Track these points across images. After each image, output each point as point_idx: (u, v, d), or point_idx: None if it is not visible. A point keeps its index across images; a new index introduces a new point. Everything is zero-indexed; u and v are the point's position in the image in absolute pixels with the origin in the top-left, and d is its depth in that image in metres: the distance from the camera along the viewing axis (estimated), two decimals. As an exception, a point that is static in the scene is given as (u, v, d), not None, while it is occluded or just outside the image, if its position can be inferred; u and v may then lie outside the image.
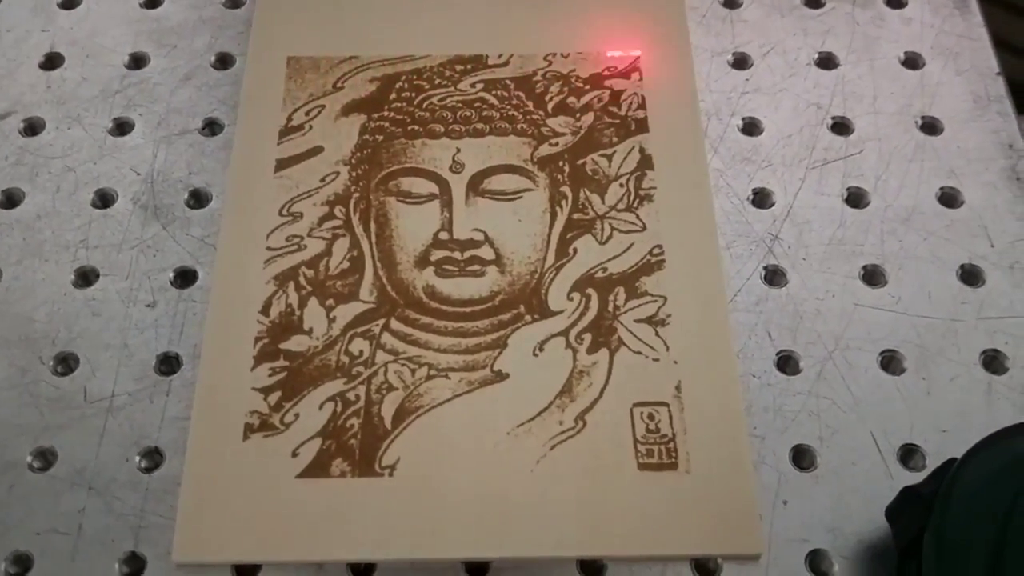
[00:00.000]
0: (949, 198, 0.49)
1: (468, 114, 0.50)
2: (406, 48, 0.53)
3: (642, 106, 0.51)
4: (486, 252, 0.47)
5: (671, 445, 0.42)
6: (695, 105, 0.51)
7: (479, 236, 0.47)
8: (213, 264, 0.46)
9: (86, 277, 0.47)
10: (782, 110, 0.52)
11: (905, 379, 0.44)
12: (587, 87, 0.51)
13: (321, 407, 0.43)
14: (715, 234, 0.47)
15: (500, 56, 0.52)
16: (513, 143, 0.50)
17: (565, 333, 0.45)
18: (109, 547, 0.41)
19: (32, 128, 0.51)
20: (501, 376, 0.44)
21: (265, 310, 0.45)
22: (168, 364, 0.45)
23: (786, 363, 0.45)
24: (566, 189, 0.48)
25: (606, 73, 0.52)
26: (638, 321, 0.45)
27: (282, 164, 0.49)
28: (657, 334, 0.44)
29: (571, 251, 0.47)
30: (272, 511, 0.41)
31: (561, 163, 0.49)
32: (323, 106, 0.50)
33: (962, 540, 0.36)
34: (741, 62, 0.53)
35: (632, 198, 0.48)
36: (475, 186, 0.48)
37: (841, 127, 0.51)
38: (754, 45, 0.54)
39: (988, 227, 0.48)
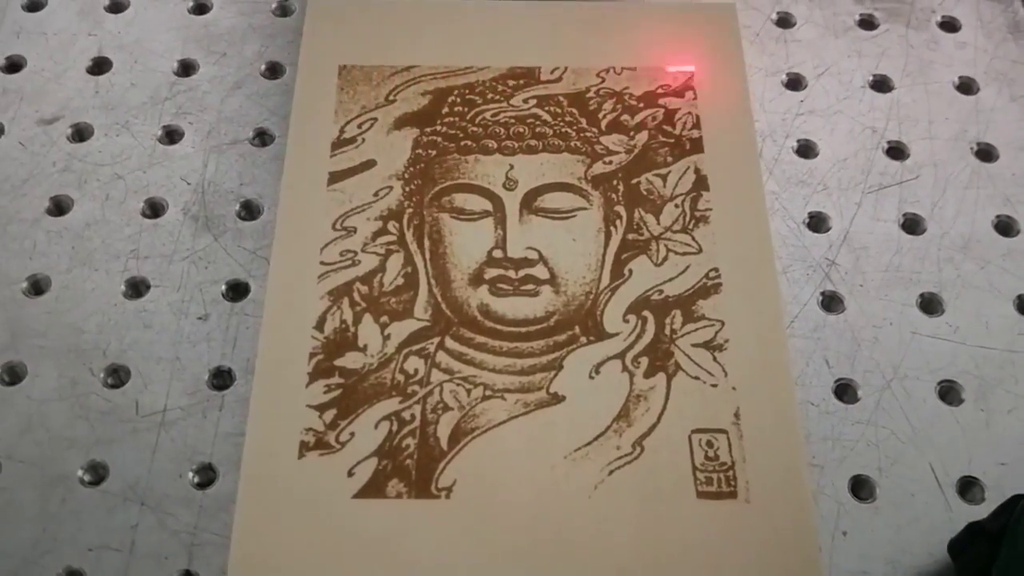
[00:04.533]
0: (1005, 226, 0.49)
1: (521, 130, 0.50)
2: (459, 59, 0.52)
3: (696, 125, 0.50)
4: (540, 271, 0.46)
5: (730, 473, 0.42)
6: (750, 125, 0.51)
7: (533, 255, 0.47)
8: (266, 277, 0.46)
9: (136, 288, 0.46)
10: (837, 133, 0.51)
11: (963, 410, 0.44)
12: (641, 105, 0.51)
13: (377, 426, 0.42)
14: (772, 258, 0.47)
15: (553, 72, 0.52)
16: (566, 161, 0.49)
17: (621, 356, 0.44)
18: (162, 564, 0.40)
19: (80, 134, 0.50)
20: (557, 398, 0.43)
21: (320, 326, 0.44)
22: (221, 378, 0.44)
23: (844, 391, 0.44)
24: (620, 209, 0.48)
25: (660, 91, 0.51)
26: (695, 345, 0.44)
27: (335, 177, 0.48)
28: (715, 359, 0.44)
29: (626, 272, 0.46)
30: (328, 531, 0.40)
31: (615, 182, 0.49)
32: (375, 119, 0.50)
33: (1030, 578, 0.36)
34: (795, 83, 0.53)
35: (688, 219, 0.48)
36: (529, 204, 0.48)
37: (896, 151, 0.51)
38: (808, 66, 0.54)
39: (1045, 257, 0.48)
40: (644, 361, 0.44)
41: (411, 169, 0.49)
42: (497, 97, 0.51)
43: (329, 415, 0.43)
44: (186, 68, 0.53)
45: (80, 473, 0.42)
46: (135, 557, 0.40)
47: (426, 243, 0.47)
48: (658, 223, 0.48)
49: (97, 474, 0.42)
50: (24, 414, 0.43)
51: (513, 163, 0.49)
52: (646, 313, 0.45)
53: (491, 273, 0.46)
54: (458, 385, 0.43)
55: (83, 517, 0.41)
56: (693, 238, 0.47)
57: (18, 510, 0.41)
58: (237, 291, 0.46)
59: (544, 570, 0.40)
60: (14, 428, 0.43)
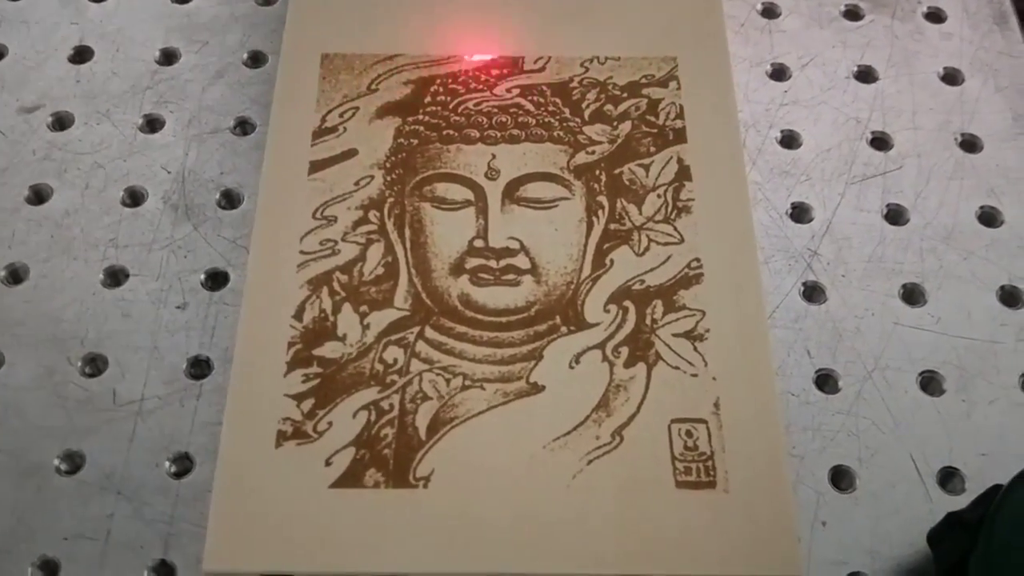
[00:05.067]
0: (989, 217, 0.49)
1: (504, 120, 0.50)
2: (442, 48, 0.52)
3: (680, 115, 0.50)
4: (521, 261, 0.46)
5: (709, 463, 0.41)
6: (734, 116, 0.50)
7: (514, 244, 0.46)
8: (245, 266, 0.46)
9: (115, 277, 0.46)
10: (821, 123, 0.51)
11: (945, 401, 0.44)
12: (624, 95, 0.51)
13: (355, 416, 0.42)
14: (755, 248, 0.46)
15: (537, 61, 0.52)
16: (549, 150, 0.49)
17: (602, 346, 0.44)
18: (138, 554, 0.40)
19: (61, 122, 0.50)
20: (537, 388, 0.43)
21: (299, 315, 0.44)
22: (199, 368, 0.44)
23: (825, 382, 0.44)
24: (603, 199, 0.48)
25: (644, 81, 0.51)
26: (676, 335, 0.44)
27: (316, 166, 0.48)
28: (695, 349, 0.44)
29: (608, 262, 0.46)
30: (304, 521, 0.40)
31: (598, 172, 0.48)
32: (357, 108, 0.50)
33: (1008, 567, 0.36)
34: (780, 73, 0.53)
35: (670, 209, 0.47)
36: (511, 193, 0.48)
37: (880, 142, 0.51)
38: (792, 56, 0.53)
39: (1029, 248, 0.48)
40: (624, 351, 0.44)
41: (392, 158, 0.48)
42: (480, 87, 0.51)
43: (307, 405, 0.42)
44: (168, 57, 0.52)
45: (56, 462, 0.42)
46: (110, 546, 0.40)
47: (407, 232, 0.47)
48: (640, 213, 0.47)
49: (73, 463, 0.42)
50: (0, 403, 0.43)
51: (495, 153, 0.49)
52: (627, 303, 0.45)
53: (472, 263, 0.46)
54: (437, 375, 0.43)
55: (59, 506, 0.41)
56: (675, 228, 0.47)
57: (-7, 499, 0.41)
58: (216, 280, 0.46)
59: (522, 560, 0.40)
60: (-10, 417, 0.42)
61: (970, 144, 0.51)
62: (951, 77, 0.53)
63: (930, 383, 0.44)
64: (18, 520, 0.40)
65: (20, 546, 0.40)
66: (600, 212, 0.47)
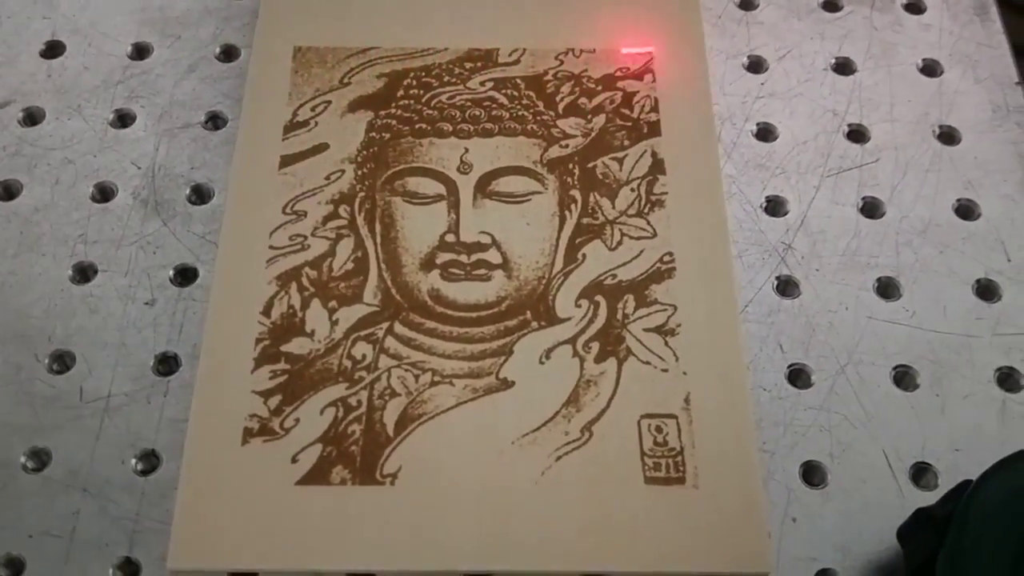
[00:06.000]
0: (966, 210, 0.48)
1: (477, 113, 0.49)
2: (415, 41, 0.51)
3: (655, 109, 0.50)
4: (493, 256, 0.46)
5: (679, 459, 0.41)
6: (709, 109, 0.50)
7: (486, 239, 0.46)
8: (214, 262, 0.45)
9: (84, 273, 0.46)
10: (797, 116, 0.51)
11: (918, 395, 0.44)
12: (599, 88, 0.50)
13: (322, 412, 0.42)
14: (727, 242, 0.46)
15: (511, 54, 0.51)
16: (522, 144, 0.49)
17: (572, 341, 0.44)
18: (103, 551, 0.40)
19: (32, 118, 0.50)
20: (506, 384, 0.43)
21: (267, 311, 0.44)
22: (167, 364, 0.44)
23: (797, 376, 0.44)
24: (576, 193, 0.47)
25: (619, 74, 0.51)
26: (647, 330, 0.44)
27: (286, 161, 0.48)
28: (666, 344, 0.44)
29: (580, 257, 0.46)
30: (270, 518, 0.40)
31: (571, 166, 0.48)
32: (329, 102, 0.49)
33: (977, 563, 0.35)
34: (756, 65, 0.52)
35: (643, 203, 0.47)
36: (483, 187, 0.47)
37: (857, 135, 0.50)
38: (770, 48, 0.53)
39: (1005, 241, 0.47)
40: (595, 346, 0.44)
41: (364, 152, 0.48)
42: (453, 80, 0.50)
43: (274, 401, 0.42)
44: (140, 51, 0.52)
45: (23, 459, 0.41)
46: (75, 544, 0.40)
47: (377, 227, 0.46)
48: (613, 207, 0.47)
49: (40, 460, 0.42)
50: (-33, 400, 0.43)
51: (468, 146, 0.48)
52: (598, 298, 0.45)
53: (443, 258, 0.46)
54: (406, 371, 0.43)
55: (24, 503, 0.41)
56: (648, 222, 0.47)
57: (-42, 497, 0.41)
58: (185, 276, 0.46)
59: (490, 556, 0.40)
60: (-44, 414, 0.42)
61: (948, 136, 0.50)
62: (930, 69, 0.53)
63: (904, 378, 0.44)
64: (-17, 518, 0.40)
65: (-16, 544, 0.40)
66: (573, 206, 0.47)
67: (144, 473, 0.41)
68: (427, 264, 0.45)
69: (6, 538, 0.40)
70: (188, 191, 0.48)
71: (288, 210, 0.46)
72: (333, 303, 0.44)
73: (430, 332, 0.44)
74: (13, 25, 0.53)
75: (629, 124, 0.49)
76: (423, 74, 0.51)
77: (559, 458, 0.41)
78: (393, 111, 0.49)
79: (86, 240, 0.46)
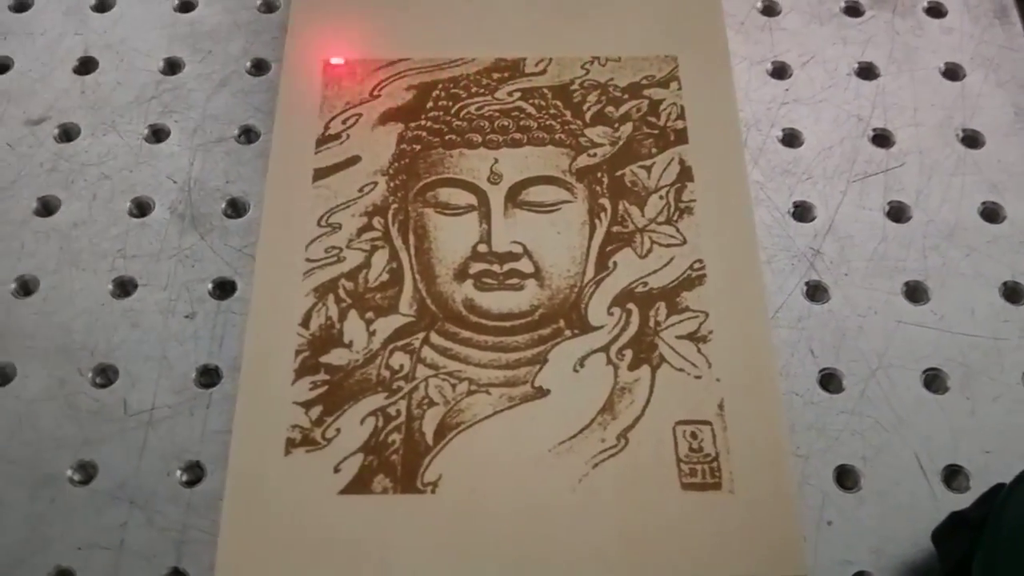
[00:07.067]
0: (991, 213, 0.49)
1: (505, 124, 0.50)
2: (444, 52, 0.52)
3: (681, 116, 0.50)
4: (525, 265, 0.46)
5: (715, 464, 0.42)
6: (735, 115, 0.51)
7: (518, 249, 0.47)
8: (252, 275, 0.46)
9: (124, 287, 0.46)
10: (822, 121, 0.51)
11: (948, 398, 0.44)
12: (625, 96, 0.51)
13: (362, 422, 0.43)
14: (756, 248, 0.47)
15: (538, 64, 0.52)
16: (551, 153, 0.49)
17: (606, 349, 0.44)
18: (151, 563, 0.40)
19: (67, 134, 0.51)
20: (542, 392, 0.43)
21: (305, 323, 0.45)
22: (208, 376, 0.44)
23: (829, 381, 0.44)
24: (605, 201, 0.48)
25: (644, 82, 0.51)
26: (679, 337, 0.45)
27: (320, 174, 0.48)
28: (699, 351, 0.44)
29: (611, 265, 0.46)
30: (315, 528, 0.41)
31: (600, 174, 0.49)
32: (360, 114, 0.50)
33: (1012, 565, 0.36)
34: (780, 71, 0.53)
35: (672, 211, 0.48)
36: (513, 197, 0.48)
37: (882, 139, 0.51)
38: (793, 54, 0.53)
39: (1031, 244, 0.48)
40: (628, 354, 0.44)
41: (396, 164, 0.49)
42: (481, 91, 0.51)
43: (315, 412, 0.43)
44: (172, 66, 0.53)
45: (69, 472, 0.42)
46: (124, 555, 0.41)
47: (411, 238, 0.47)
48: (642, 215, 0.48)
49: (86, 473, 0.42)
50: (13, 415, 0.43)
51: (498, 157, 0.49)
52: (631, 305, 0.45)
53: (476, 267, 0.46)
54: (443, 380, 0.44)
55: (72, 516, 0.41)
56: (677, 229, 0.47)
57: (8, 510, 0.41)
58: (224, 289, 0.46)
59: (530, 563, 0.40)
60: (3, 429, 0.43)
61: (972, 140, 0.51)
62: (952, 72, 0.53)
63: (934, 381, 0.44)
64: (32, 530, 0.41)
65: (35, 557, 0.40)
66: (603, 214, 0.48)
67: (189, 484, 0.42)
68: (460, 274, 0.46)
69: (56, 551, 0.41)
70: (224, 204, 0.48)
71: (323, 222, 0.47)
72: (370, 314, 0.45)
73: (465, 342, 0.45)
74: (46, 41, 0.53)
75: (656, 132, 0.50)
76: (451, 85, 0.51)
77: (596, 465, 0.42)
78: (423, 123, 0.50)
79: (125, 255, 0.47)
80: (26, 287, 0.46)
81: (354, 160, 0.49)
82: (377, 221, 0.47)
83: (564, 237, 0.47)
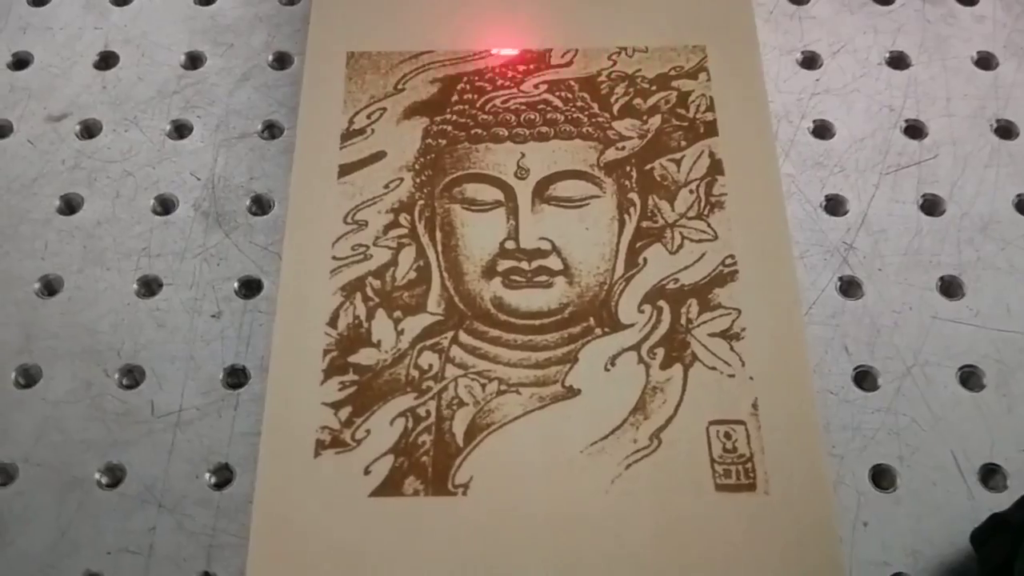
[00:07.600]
0: (1026, 205, 0.48)
1: (532, 117, 0.49)
2: (468, 43, 0.51)
3: (710, 108, 0.50)
4: (553, 262, 0.46)
5: (749, 465, 0.41)
6: (765, 107, 0.50)
7: (546, 245, 0.46)
8: (278, 273, 0.45)
9: (149, 286, 0.46)
10: (854, 112, 0.50)
11: (985, 396, 0.43)
12: (653, 88, 0.50)
13: (392, 423, 0.42)
14: (789, 243, 0.46)
15: (564, 56, 0.51)
16: (579, 147, 0.49)
17: (637, 347, 0.44)
18: (181, 566, 0.40)
19: (89, 131, 0.50)
20: (572, 392, 0.43)
21: (333, 322, 0.44)
22: (235, 377, 0.44)
23: (864, 379, 0.44)
24: (634, 196, 0.47)
25: (672, 73, 0.51)
26: (712, 335, 0.44)
27: (345, 170, 0.48)
28: (732, 348, 0.44)
29: (641, 261, 0.46)
30: (345, 530, 0.40)
31: (628, 168, 0.48)
32: (384, 108, 0.49)
33: (1053, 570, 0.35)
34: (810, 61, 0.52)
35: (703, 205, 0.47)
36: (541, 193, 0.47)
37: (914, 130, 0.50)
38: (823, 43, 0.53)
39: (1068, 237, 0.47)
40: (660, 352, 0.44)
41: (421, 160, 0.48)
42: (507, 83, 0.50)
43: (344, 413, 0.42)
44: (193, 60, 0.52)
45: (97, 475, 0.42)
46: (154, 559, 0.40)
47: (438, 235, 0.46)
48: (672, 210, 0.47)
49: (114, 476, 0.42)
50: (40, 417, 0.43)
51: (524, 151, 0.48)
52: (661, 303, 0.45)
53: (504, 265, 0.46)
54: (472, 380, 0.43)
55: (101, 520, 0.41)
56: (708, 224, 0.47)
57: (36, 514, 0.41)
58: (250, 288, 0.46)
59: (562, 565, 0.40)
60: (30, 431, 0.43)
61: (1006, 130, 0.50)
62: (985, 61, 0.52)
63: (970, 378, 0.44)
64: (62, 534, 0.41)
65: (64, 561, 0.40)
66: (632, 210, 0.47)
67: (218, 487, 0.42)
68: (488, 272, 0.45)
69: (85, 555, 0.40)
70: (248, 202, 0.48)
71: (349, 220, 0.46)
72: (398, 313, 0.44)
73: (494, 340, 0.44)
74: (66, 36, 0.53)
75: (685, 124, 0.49)
76: (476, 78, 0.50)
77: (628, 466, 0.41)
78: (448, 116, 0.49)
79: (149, 253, 0.47)
80: (50, 287, 0.46)
81: (379, 155, 0.48)
82: (404, 218, 0.47)
83: (593, 233, 0.46)
